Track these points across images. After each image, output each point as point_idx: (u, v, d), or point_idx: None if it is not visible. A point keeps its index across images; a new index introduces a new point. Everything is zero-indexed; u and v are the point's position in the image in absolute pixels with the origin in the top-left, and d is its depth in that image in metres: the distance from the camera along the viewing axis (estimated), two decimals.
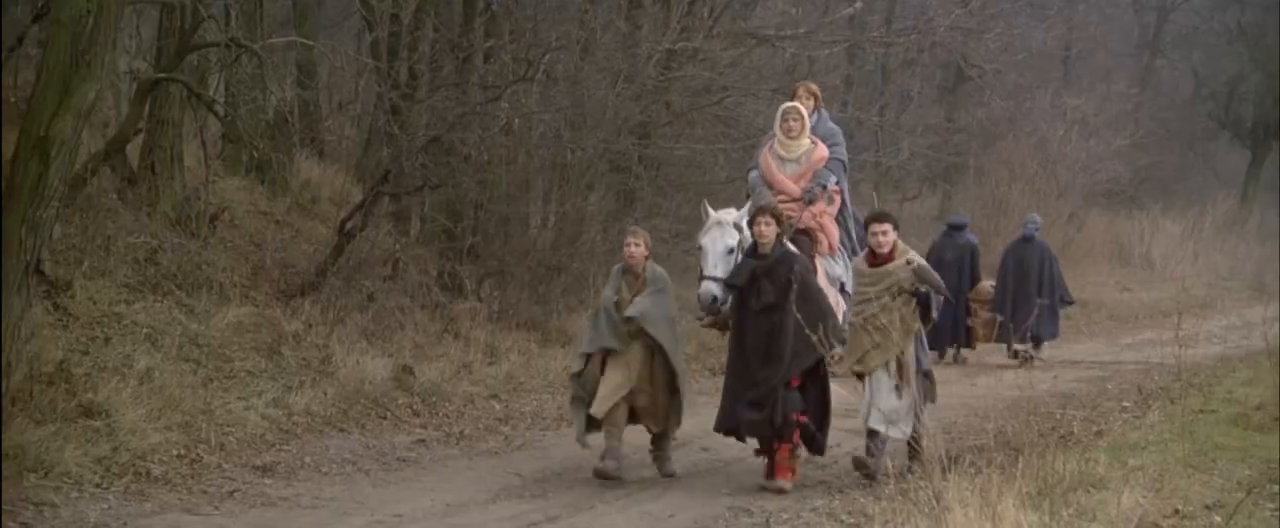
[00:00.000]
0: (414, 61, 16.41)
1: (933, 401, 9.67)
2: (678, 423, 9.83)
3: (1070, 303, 17.73)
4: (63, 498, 8.24)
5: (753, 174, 10.54)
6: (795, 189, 10.22)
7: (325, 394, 11.25)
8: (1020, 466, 7.91)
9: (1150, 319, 20.83)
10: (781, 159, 10.31)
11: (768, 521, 8.42)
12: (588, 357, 9.73)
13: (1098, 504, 7.73)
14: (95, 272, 11.55)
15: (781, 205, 9.96)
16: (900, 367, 9.34)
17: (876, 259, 9.45)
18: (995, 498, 7.16)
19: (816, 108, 10.68)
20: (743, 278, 9.31)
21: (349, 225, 13.86)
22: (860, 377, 9.51)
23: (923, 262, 9.50)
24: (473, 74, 15.83)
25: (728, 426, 9.39)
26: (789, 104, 10.53)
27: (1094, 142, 26.83)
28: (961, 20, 20.34)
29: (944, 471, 7.65)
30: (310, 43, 15.84)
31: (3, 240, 8.87)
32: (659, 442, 9.88)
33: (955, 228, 17.38)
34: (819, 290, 9.35)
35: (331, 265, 13.56)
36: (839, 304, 9.82)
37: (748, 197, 10.20)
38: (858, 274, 9.67)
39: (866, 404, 9.47)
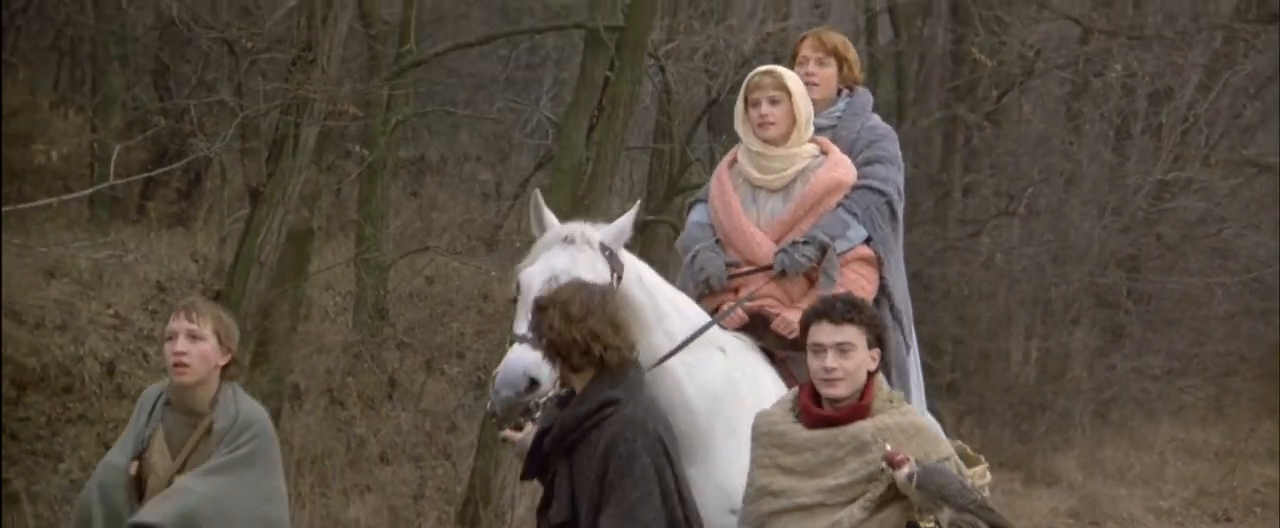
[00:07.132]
0: None
1: None
2: None
3: None
4: None
5: (693, 215, 5.27)
6: (770, 248, 4.99)
7: None
8: None
9: None
10: (752, 187, 5.08)
11: None
12: None
13: None
14: None
15: (738, 280, 5.03)
16: None
17: (820, 413, 4.22)
18: None
19: (847, 85, 5.33)
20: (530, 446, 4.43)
21: None
22: None
23: (936, 450, 4.20)
24: (952, 208, 15.75)
25: None
26: (762, 69, 5.12)
27: None
28: None
29: None
30: None
31: None
32: None
33: None
34: None
35: None
36: None
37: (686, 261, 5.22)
38: (772, 438, 4.27)
39: None
